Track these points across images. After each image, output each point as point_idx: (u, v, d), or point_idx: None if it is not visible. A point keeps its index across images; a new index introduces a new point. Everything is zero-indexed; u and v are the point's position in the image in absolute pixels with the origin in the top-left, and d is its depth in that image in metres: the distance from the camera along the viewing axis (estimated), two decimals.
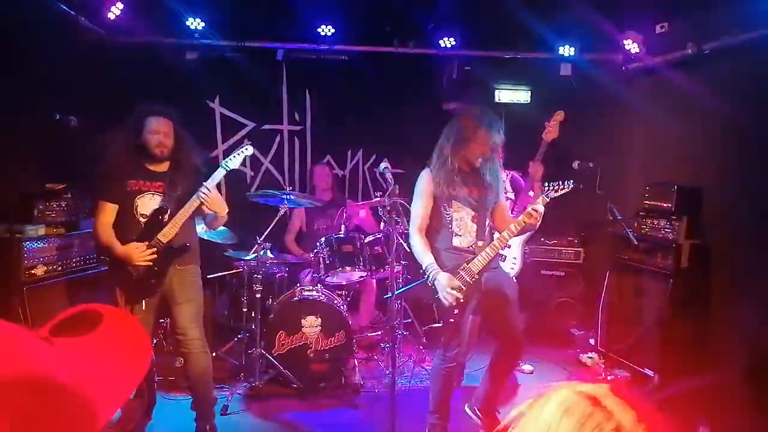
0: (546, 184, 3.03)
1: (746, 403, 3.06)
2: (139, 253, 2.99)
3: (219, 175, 3.10)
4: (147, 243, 3.02)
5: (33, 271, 3.44)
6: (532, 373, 4.37)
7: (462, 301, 2.90)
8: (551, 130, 3.83)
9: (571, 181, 2.98)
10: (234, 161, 3.17)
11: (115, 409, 0.70)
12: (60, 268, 3.64)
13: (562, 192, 2.99)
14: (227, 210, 3.17)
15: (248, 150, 3.26)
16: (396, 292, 3.26)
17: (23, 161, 3.79)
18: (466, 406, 3.53)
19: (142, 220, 3.08)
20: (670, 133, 4.47)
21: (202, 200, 3.02)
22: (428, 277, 2.95)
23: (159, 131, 3.07)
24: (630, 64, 4.93)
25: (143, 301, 3.04)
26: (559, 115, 3.84)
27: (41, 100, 3.92)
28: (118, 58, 4.76)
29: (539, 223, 3.01)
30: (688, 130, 4.27)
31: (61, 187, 3.81)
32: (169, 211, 3.07)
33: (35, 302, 3.36)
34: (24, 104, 3.73)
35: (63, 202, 3.75)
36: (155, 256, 3.02)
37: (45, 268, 3.52)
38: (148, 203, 3.09)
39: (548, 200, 2.97)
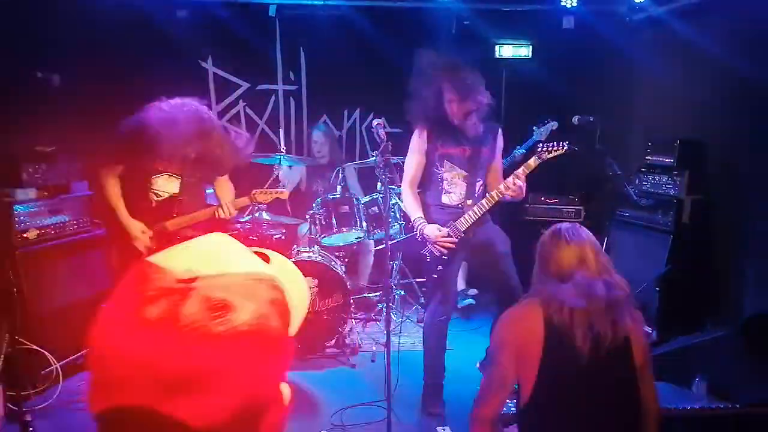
0: (540, 144, 2.96)
1: (743, 356, 3.05)
2: (142, 237, 3.05)
3: (242, 201, 3.28)
4: (152, 228, 3.08)
5: (25, 235, 3.41)
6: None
7: (445, 256, 2.90)
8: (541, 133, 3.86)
9: (566, 142, 2.90)
10: (264, 197, 3.30)
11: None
12: (53, 232, 3.61)
13: (556, 154, 2.92)
14: (232, 197, 3.29)
15: (284, 195, 3.51)
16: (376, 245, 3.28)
17: (6, 122, 3.71)
18: (477, 364, 3.56)
19: (156, 199, 3.10)
20: (674, 85, 4.35)
21: (218, 216, 3.13)
22: (416, 230, 2.98)
23: (196, 141, 3.03)
24: (634, 15, 4.76)
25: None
26: (552, 125, 3.90)
27: (22, 58, 3.81)
28: (104, 17, 4.60)
29: (522, 194, 2.95)
30: (692, 83, 4.15)
31: (51, 149, 3.75)
32: (182, 204, 3.11)
33: (28, 266, 3.33)
34: (4, 63, 3.63)
35: (54, 165, 3.69)
36: (155, 240, 3.08)
37: (37, 231, 3.49)
38: (165, 184, 3.11)
39: (539, 162, 2.92)
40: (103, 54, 4.38)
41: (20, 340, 3.17)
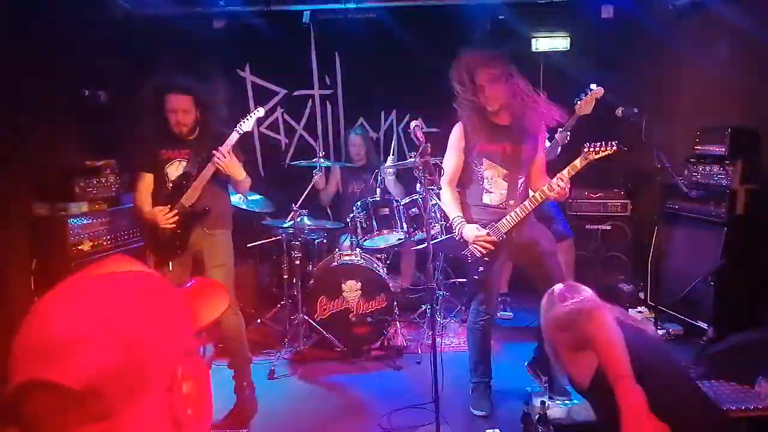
0: (586, 144, 2.88)
1: None
2: (163, 216, 3.12)
3: (233, 139, 3.13)
4: (170, 206, 3.14)
5: (80, 247, 3.54)
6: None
7: (487, 258, 2.88)
8: (584, 106, 3.54)
9: (615, 141, 2.81)
10: (247, 124, 3.19)
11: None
12: (106, 243, 3.74)
13: (604, 154, 2.82)
14: (244, 175, 3.22)
15: (259, 112, 3.28)
16: (416, 246, 3.25)
17: (57, 139, 3.86)
18: (525, 364, 3.50)
19: (170, 185, 3.21)
20: (721, 72, 4.17)
21: (217, 165, 3.08)
22: (455, 230, 2.95)
23: (177, 109, 3.11)
24: (676, 0, 4.59)
25: (170, 263, 3.19)
26: (597, 92, 3.53)
27: (70, 77, 3.96)
28: (144, 32, 4.76)
29: (566, 195, 2.90)
30: (740, 68, 3.97)
31: (100, 163, 3.89)
32: (192, 176, 3.16)
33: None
34: (53, 82, 3.78)
35: (103, 178, 3.83)
36: (177, 218, 3.14)
37: (91, 243, 3.62)
38: (176, 170, 3.22)
39: (586, 163, 2.83)
40: (146, 69, 4.51)
41: None
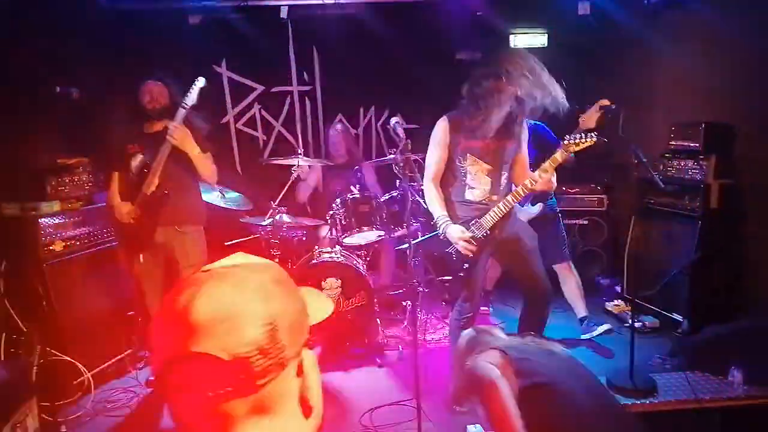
0: (566, 136, 2.89)
1: None
2: (126, 209, 3.17)
3: (180, 115, 3.11)
4: (133, 198, 3.18)
5: (51, 247, 3.45)
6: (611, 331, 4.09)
7: (471, 255, 2.88)
8: (588, 120, 3.42)
9: (595, 133, 2.84)
10: (190, 97, 3.14)
11: None
12: (79, 243, 3.65)
13: (584, 146, 2.84)
14: (198, 150, 3.19)
15: (200, 81, 3.18)
16: (397, 242, 3.25)
17: (29, 137, 3.76)
18: None
19: (133, 176, 3.25)
20: (696, 69, 4.24)
21: (170, 140, 3.07)
22: (439, 229, 2.94)
23: (152, 90, 3.18)
24: None
25: (140, 255, 3.22)
26: (603, 102, 3.41)
27: (42, 74, 3.85)
28: (119, 27, 4.66)
29: (553, 186, 2.94)
30: (714, 65, 4.03)
31: (73, 161, 3.79)
32: (150, 163, 3.17)
33: (55, 278, 3.37)
34: (24, 78, 3.68)
35: (75, 177, 3.73)
36: (139, 209, 3.17)
37: (63, 243, 3.52)
38: (137, 162, 3.25)
39: (567, 155, 2.85)
40: (120, 65, 4.42)
41: (51, 351, 3.22)
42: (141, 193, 3.14)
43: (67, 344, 3.34)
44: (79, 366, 3.33)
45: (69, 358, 3.30)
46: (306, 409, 0.78)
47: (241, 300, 0.71)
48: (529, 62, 2.84)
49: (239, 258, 0.81)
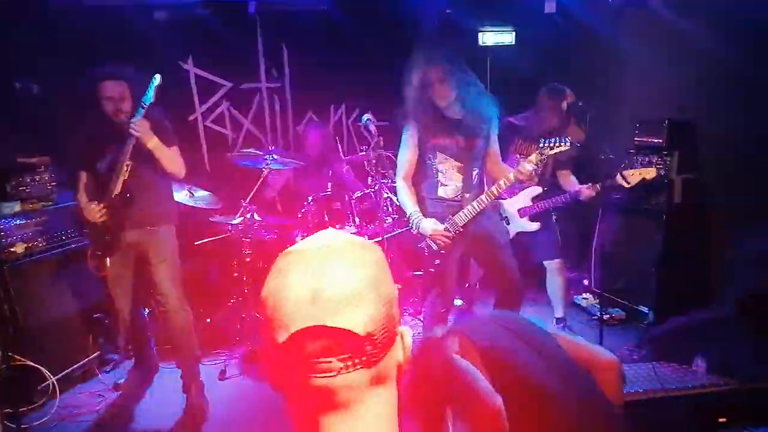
0: (541, 140, 2.95)
1: (741, 334, 3.07)
2: (94, 210, 3.06)
3: (140, 114, 2.99)
4: (100, 199, 3.09)
5: (13, 249, 3.33)
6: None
7: (443, 251, 2.92)
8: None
9: (568, 138, 2.90)
10: (148, 96, 3.02)
11: None
12: (41, 244, 3.54)
13: (558, 150, 2.90)
14: (154, 139, 3.05)
15: (156, 79, 3.03)
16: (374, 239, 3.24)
17: None
18: None
19: (100, 177, 3.15)
20: (660, 67, 4.35)
21: (133, 132, 2.96)
22: (412, 224, 2.96)
23: (113, 97, 3.01)
24: None
25: (107, 259, 3.13)
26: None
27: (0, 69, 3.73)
28: (82, 22, 4.51)
29: (535, 179, 3.01)
30: (677, 64, 4.15)
31: (34, 160, 3.67)
32: (116, 162, 3.07)
33: (17, 281, 3.27)
34: None
35: (37, 176, 3.61)
36: (106, 210, 3.08)
37: (25, 245, 3.41)
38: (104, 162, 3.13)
39: (542, 158, 2.90)
40: (82, 60, 4.28)
41: (14, 356, 3.12)
42: (107, 193, 3.07)
43: (30, 348, 3.24)
44: (43, 370, 3.24)
45: (32, 363, 3.20)
46: (400, 371, 0.82)
47: (365, 278, 0.76)
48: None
49: (338, 235, 0.83)
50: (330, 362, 0.72)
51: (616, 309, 4.30)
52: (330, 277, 0.74)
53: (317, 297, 0.72)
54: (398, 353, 0.81)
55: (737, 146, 3.71)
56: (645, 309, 4.06)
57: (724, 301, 3.63)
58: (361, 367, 0.74)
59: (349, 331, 0.72)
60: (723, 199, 3.81)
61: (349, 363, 0.73)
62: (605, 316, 4.19)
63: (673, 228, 3.88)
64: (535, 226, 3.84)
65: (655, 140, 4.06)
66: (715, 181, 3.86)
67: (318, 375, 0.73)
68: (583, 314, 4.44)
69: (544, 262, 4.04)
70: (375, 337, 0.74)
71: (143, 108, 3.00)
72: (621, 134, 4.48)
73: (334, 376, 0.73)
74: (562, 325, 4.12)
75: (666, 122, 3.98)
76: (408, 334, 0.84)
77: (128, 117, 3.03)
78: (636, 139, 4.23)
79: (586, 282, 4.87)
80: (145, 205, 3.12)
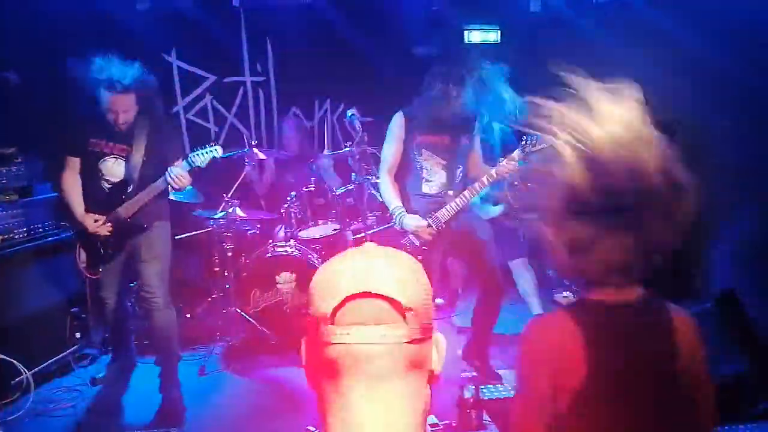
0: (523, 137, 2.96)
1: (716, 331, 3.12)
2: (96, 226, 3.01)
3: (184, 168, 3.00)
4: (105, 216, 3.02)
5: None
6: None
7: (425, 247, 2.94)
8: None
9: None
10: (201, 159, 3.04)
11: None
12: (18, 236, 3.47)
13: (541, 147, 2.90)
14: (189, 182, 3.08)
15: (218, 152, 3.09)
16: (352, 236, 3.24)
17: None
18: (460, 351, 3.57)
19: (107, 186, 3.06)
20: (640, 69, 4.38)
21: (170, 185, 2.97)
22: (395, 220, 2.97)
23: (118, 110, 2.93)
24: None
25: (100, 267, 3.09)
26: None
27: None
28: (62, 13, 4.41)
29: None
30: (657, 66, 4.18)
31: (10, 150, 3.60)
32: (131, 186, 3.03)
33: None
34: None
35: (13, 167, 3.54)
36: (111, 229, 3.03)
37: (1, 237, 3.35)
38: (112, 169, 3.06)
39: (523, 155, 2.91)
40: (63, 50, 4.20)
41: None
42: (114, 212, 3.03)
43: (4, 342, 3.18)
44: (18, 365, 3.18)
45: (5, 357, 3.14)
46: (432, 377, 0.86)
47: (407, 268, 0.83)
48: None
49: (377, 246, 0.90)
50: (375, 327, 0.77)
51: None
52: (377, 264, 0.81)
53: (369, 270, 0.79)
54: (434, 355, 0.84)
55: (715, 149, 3.75)
56: None
57: (699, 299, 3.69)
58: (401, 341, 0.77)
59: (394, 299, 0.77)
60: (702, 198, 3.85)
61: (391, 333, 0.77)
62: None
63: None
64: (498, 209, 3.85)
65: None
66: (694, 181, 3.90)
67: (360, 342, 0.76)
68: None
69: (509, 263, 4.01)
70: (416, 314, 0.79)
71: (190, 166, 2.99)
72: None
73: (377, 343, 0.76)
74: None
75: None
76: (443, 342, 0.87)
77: (128, 126, 2.98)
78: None
79: (566, 281, 4.91)
80: (145, 208, 3.09)
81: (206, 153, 3.06)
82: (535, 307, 4.15)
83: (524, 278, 4.08)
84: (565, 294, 4.72)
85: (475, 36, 5.43)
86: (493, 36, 5.46)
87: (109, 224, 3.03)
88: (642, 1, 4.32)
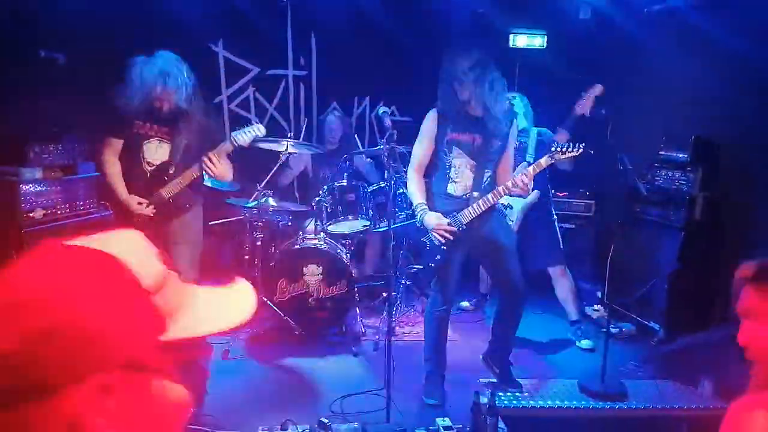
0: (554, 144, 2.92)
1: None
2: (139, 207, 3.09)
3: (226, 148, 3.05)
4: (148, 198, 3.11)
5: (32, 215, 3.42)
6: (593, 351, 4.00)
7: (445, 247, 2.93)
8: (584, 104, 3.74)
9: (582, 144, 2.87)
10: (243, 137, 3.08)
11: None
12: (60, 212, 3.62)
13: (570, 155, 2.88)
14: (231, 178, 3.19)
15: (261, 130, 3.13)
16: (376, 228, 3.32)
17: (12, 102, 3.70)
18: (480, 356, 3.53)
19: (149, 169, 3.14)
20: (690, 80, 4.24)
21: (205, 171, 3.03)
22: (417, 217, 2.96)
23: (164, 99, 3.03)
24: (651, 6, 4.65)
25: None
26: (597, 89, 3.74)
27: (27, 38, 3.79)
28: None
29: (528, 192, 3.00)
30: (708, 77, 4.05)
31: (56, 129, 3.75)
32: (174, 168, 3.10)
33: (33, 246, 3.33)
34: (8, 42, 3.62)
35: (59, 145, 3.69)
36: (154, 210, 3.11)
37: (44, 211, 3.50)
38: (155, 151, 3.14)
39: (551, 162, 2.89)
40: (110, 34, 4.34)
41: None
42: (157, 193, 3.11)
43: None
44: None
45: None
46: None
47: (53, 283, 0.64)
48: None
49: (106, 239, 0.75)
50: None
51: (627, 323, 4.22)
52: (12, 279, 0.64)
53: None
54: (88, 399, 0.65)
55: (761, 165, 3.61)
56: (656, 326, 3.98)
57: (734, 321, 3.55)
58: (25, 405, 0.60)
59: None
60: (740, 219, 3.71)
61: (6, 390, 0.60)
62: (615, 330, 4.13)
63: (690, 245, 3.80)
64: (533, 195, 3.87)
65: (681, 155, 3.97)
66: (734, 200, 3.76)
67: None
68: (593, 326, 4.37)
69: (548, 269, 4.04)
70: (37, 357, 0.60)
71: (234, 145, 3.04)
72: (647, 146, 4.39)
73: None
74: (576, 327, 4.09)
75: (693, 137, 3.89)
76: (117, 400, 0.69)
77: (172, 111, 3.06)
78: (661, 152, 4.15)
79: (599, 294, 4.79)
80: (182, 204, 3.19)
81: (249, 132, 3.10)
82: (573, 314, 4.12)
83: (562, 285, 4.06)
84: (596, 307, 4.60)
85: (520, 40, 5.36)
86: (538, 41, 5.38)
87: (152, 207, 3.12)
88: (694, 11, 4.18)
